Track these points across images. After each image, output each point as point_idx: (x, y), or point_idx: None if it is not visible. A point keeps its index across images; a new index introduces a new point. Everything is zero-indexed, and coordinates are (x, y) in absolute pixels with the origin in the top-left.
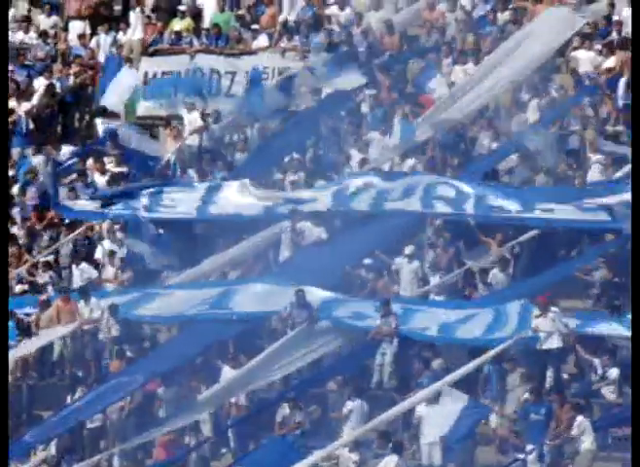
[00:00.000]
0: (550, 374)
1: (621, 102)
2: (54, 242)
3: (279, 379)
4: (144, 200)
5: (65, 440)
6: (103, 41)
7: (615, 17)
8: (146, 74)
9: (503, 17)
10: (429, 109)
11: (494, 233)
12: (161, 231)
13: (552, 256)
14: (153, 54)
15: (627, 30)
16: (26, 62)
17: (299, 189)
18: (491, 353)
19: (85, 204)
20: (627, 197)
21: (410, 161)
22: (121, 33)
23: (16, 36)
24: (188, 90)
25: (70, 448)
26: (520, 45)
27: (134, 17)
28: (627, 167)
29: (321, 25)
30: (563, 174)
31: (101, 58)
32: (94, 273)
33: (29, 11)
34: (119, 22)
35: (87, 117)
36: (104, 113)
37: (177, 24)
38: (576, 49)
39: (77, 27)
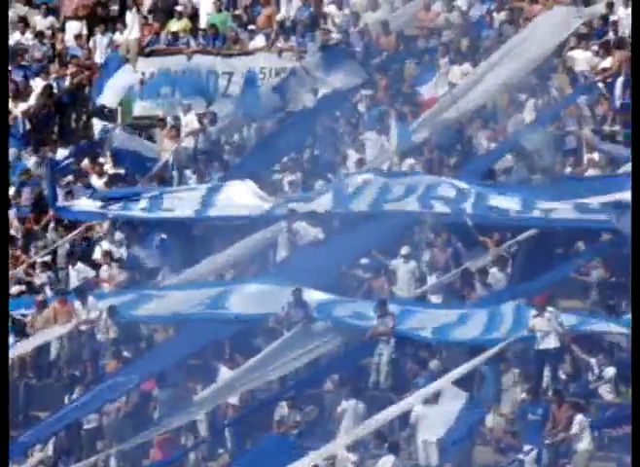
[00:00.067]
0: (547, 373)
1: (617, 102)
2: (52, 243)
3: (276, 380)
4: (144, 202)
5: (62, 441)
6: (100, 41)
7: (611, 18)
8: (143, 74)
9: (499, 17)
10: (426, 110)
11: (492, 233)
12: (162, 233)
13: (550, 255)
14: (149, 55)
15: (624, 30)
16: (23, 63)
17: (297, 189)
18: (489, 353)
19: (84, 205)
20: (626, 195)
21: (410, 162)
22: (117, 33)
23: (12, 37)
24: (185, 91)
25: (67, 448)
26: (518, 46)
27: (131, 17)
28: (627, 167)
29: (318, 26)
30: (560, 174)
31: (98, 59)
32: (91, 273)
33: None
34: (115, 23)
35: (83, 117)
36: (102, 111)
37: (174, 25)
38: (572, 49)
39: (73, 28)
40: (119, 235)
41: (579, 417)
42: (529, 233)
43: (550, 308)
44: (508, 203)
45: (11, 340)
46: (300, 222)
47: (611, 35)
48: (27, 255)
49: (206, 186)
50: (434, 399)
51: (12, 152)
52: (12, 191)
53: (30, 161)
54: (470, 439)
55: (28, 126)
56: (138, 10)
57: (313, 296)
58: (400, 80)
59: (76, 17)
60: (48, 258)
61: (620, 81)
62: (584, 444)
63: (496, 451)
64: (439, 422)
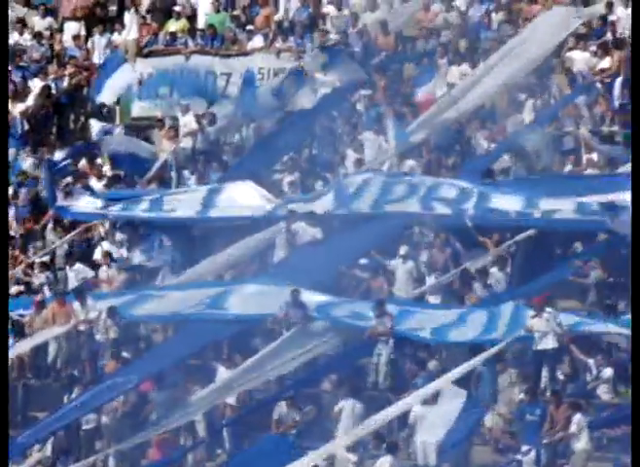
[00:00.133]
0: (545, 374)
1: (616, 103)
2: (51, 243)
3: (274, 380)
4: (144, 204)
5: (61, 441)
6: (98, 42)
7: (610, 18)
8: (141, 75)
9: (498, 17)
10: (424, 110)
11: (491, 234)
12: (163, 234)
13: (549, 255)
14: (148, 55)
15: (623, 30)
16: (21, 64)
17: (297, 190)
18: (488, 353)
19: (84, 206)
20: (623, 195)
21: (410, 163)
22: (116, 34)
23: (11, 37)
24: (183, 92)
25: (66, 449)
26: (517, 47)
27: (129, 17)
28: (626, 167)
29: (316, 26)
30: (559, 172)
31: (96, 60)
32: (90, 273)
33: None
34: (114, 23)
35: (82, 118)
36: (101, 111)
37: (172, 25)
38: (571, 49)
39: (72, 28)
40: (119, 236)
41: (577, 417)
42: (528, 233)
43: (548, 309)
44: (509, 203)
45: (9, 340)
46: (299, 222)
47: (609, 35)
48: (26, 255)
49: (207, 187)
50: (433, 399)
51: (10, 152)
52: (10, 191)
53: (27, 162)
54: (469, 440)
55: (26, 127)
56: (136, 10)
57: (311, 298)
58: (399, 80)
59: (74, 18)
60: (46, 258)
61: (618, 81)
62: (581, 444)
63: (494, 452)
64: (438, 423)
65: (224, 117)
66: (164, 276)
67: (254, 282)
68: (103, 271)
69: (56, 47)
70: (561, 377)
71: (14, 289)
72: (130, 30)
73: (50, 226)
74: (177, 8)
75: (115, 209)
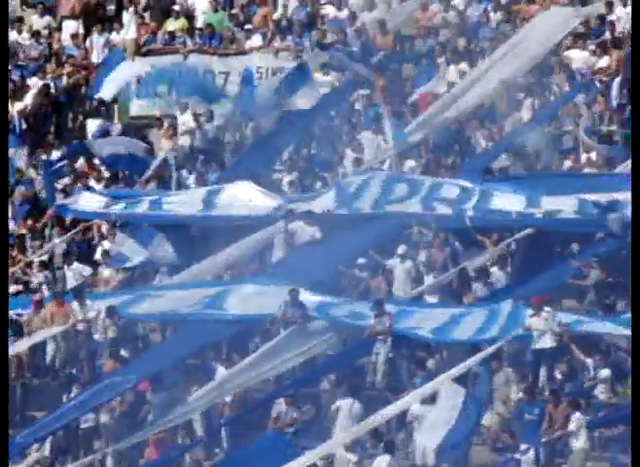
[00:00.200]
0: (543, 373)
1: (614, 102)
2: (50, 242)
3: (272, 379)
4: (145, 204)
5: (59, 440)
6: (96, 41)
7: (609, 17)
8: (139, 74)
9: (496, 17)
10: (424, 109)
11: (490, 234)
12: (163, 233)
13: (548, 255)
14: (146, 54)
15: (622, 30)
16: (19, 62)
17: (297, 189)
18: (487, 352)
19: (84, 204)
20: (621, 195)
21: (410, 164)
22: (114, 33)
23: (9, 36)
24: (181, 90)
25: (64, 448)
26: (516, 46)
27: (128, 16)
28: (624, 166)
29: (315, 25)
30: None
31: (95, 59)
32: (88, 271)
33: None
34: (112, 22)
35: (80, 117)
36: (99, 110)
37: (171, 24)
38: (569, 48)
39: (70, 27)
40: (119, 236)
41: (576, 415)
42: (526, 232)
43: (547, 308)
44: (510, 203)
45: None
46: (297, 222)
47: (608, 35)
48: (24, 254)
49: (207, 188)
50: (431, 399)
51: (9, 151)
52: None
53: (22, 162)
54: (468, 440)
55: (24, 126)
56: (135, 9)
57: (310, 298)
58: (397, 80)
59: (72, 17)
60: (45, 257)
61: (617, 81)
62: (580, 443)
63: (493, 451)
64: (438, 423)
65: (222, 116)
66: (163, 276)
67: (253, 282)
68: (104, 271)
69: (55, 46)
70: (559, 376)
71: (12, 288)
72: (129, 29)
73: (49, 225)
74: (175, 7)
75: (116, 209)
